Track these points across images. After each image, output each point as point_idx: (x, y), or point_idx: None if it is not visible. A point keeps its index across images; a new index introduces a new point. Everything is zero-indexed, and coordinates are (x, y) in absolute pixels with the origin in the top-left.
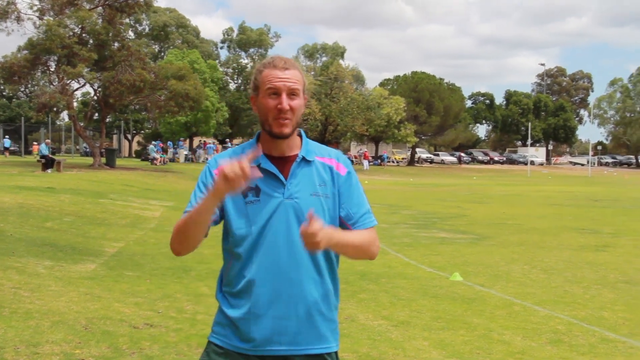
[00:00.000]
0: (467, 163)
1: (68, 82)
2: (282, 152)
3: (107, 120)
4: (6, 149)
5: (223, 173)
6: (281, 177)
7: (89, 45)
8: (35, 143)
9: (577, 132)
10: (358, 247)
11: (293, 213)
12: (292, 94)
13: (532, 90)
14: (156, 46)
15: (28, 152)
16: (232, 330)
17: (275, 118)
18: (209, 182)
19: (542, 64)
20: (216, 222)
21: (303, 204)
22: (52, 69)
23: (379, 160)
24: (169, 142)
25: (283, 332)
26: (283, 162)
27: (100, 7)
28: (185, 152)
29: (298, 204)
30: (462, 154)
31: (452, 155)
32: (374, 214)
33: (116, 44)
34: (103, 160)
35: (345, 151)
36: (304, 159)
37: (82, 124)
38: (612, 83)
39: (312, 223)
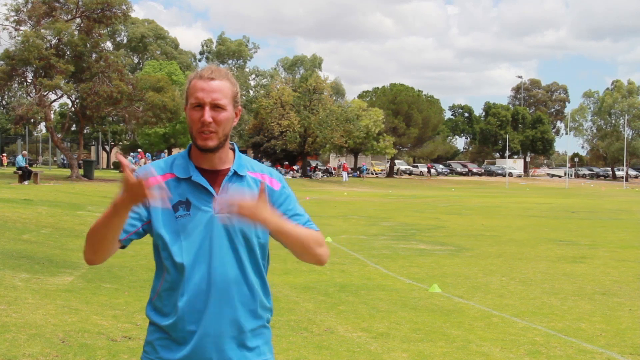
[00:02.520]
0: (446, 174)
1: (45, 93)
2: (213, 166)
3: (85, 131)
4: None
5: (126, 180)
6: (212, 190)
7: (66, 57)
8: (4, 155)
9: (555, 144)
10: (304, 241)
11: (223, 227)
12: (216, 106)
13: (509, 103)
14: (135, 57)
15: None
16: (162, 347)
17: (198, 131)
18: None
19: (520, 77)
20: (140, 235)
21: (235, 218)
22: (29, 81)
23: (358, 172)
24: (147, 153)
25: (216, 347)
26: (214, 176)
27: (78, 18)
28: None
29: (229, 219)
30: (434, 165)
31: (430, 165)
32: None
33: (94, 56)
34: (81, 172)
35: (325, 163)
36: (235, 173)
37: (59, 136)
38: (586, 95)
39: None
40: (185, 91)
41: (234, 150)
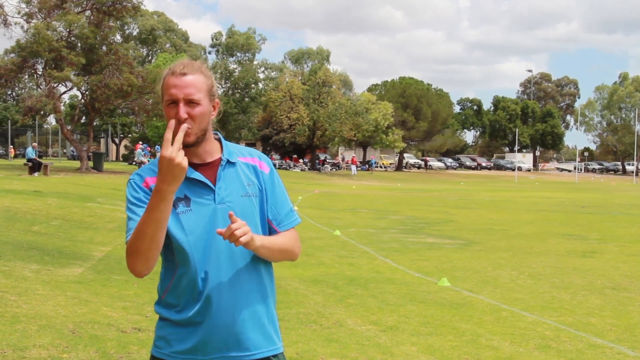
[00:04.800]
0: (455, 168)
1: (55, 85)
2: (202, 159)
3: (95, 123)
4: None
5: (167, 158)
6: (209, 183)
7: (76, 49)
8: (12, 147)
9: (564, 138)
10: (284, 250)
11: (228, 218)
12: (190, 102)
13: (518, 97)
14: (144, 50)
15: (5, 156)
16: (176, 340)
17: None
18: (142, 195)
19: (530, 70)
20: None
21: (236, 206)
22: (39, 73)
23: (367, 166)
24: (156, 146)
25: (228, 338)
26: (206, 168)
27: (88, 11)
28: None
29: (231, 208)
30: (442, 159)
31: (439, 159)
32: (297, 213)
33: (104, 48)
34: (90, 164)
35: (333, 156)
36: (228, 161)
37: (69, 128)
38: (598, 89)
39: (233, 221)
40: (160, 89)
41: (219, 140)
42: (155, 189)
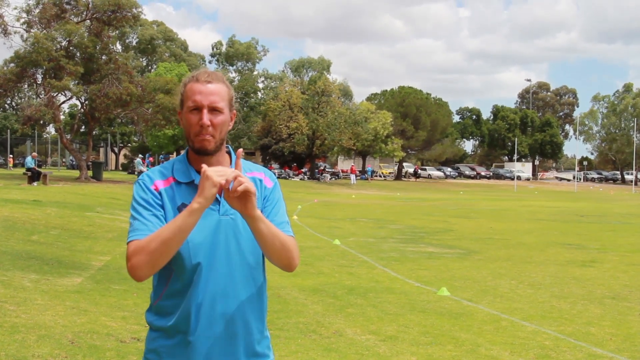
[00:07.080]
0: (454, 177)
1: (54, 94)
2: None
3: (94, 133)
4: None
5: (212, 179)
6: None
7: (76, 59)
8: (11, 156)
9: (563, 148)
10: (284, 244)
11: (230, 230)
12: (214, 109)
13: (516, 106)
14: (144, 59)
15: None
16: (167, 354)
17: (196, 134)
18: (150, 198)
19: (528, 80)
20: None
21: (238, 218)
22: (38, 82)
23: (365, 175)
24: (160, 155)
25: (223, 352)
26: None
27: (88, 20)
28: None
29: (234, 220)
30: (442, 168)
31: (438, 168)
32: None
33: (103, 57)
34: (90, 173)
35: (333, 165)
36: None
37: (68, 137)
38: (595, 99)
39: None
40: (180, 95)
41: (229, 153)
42: (196, 206)
